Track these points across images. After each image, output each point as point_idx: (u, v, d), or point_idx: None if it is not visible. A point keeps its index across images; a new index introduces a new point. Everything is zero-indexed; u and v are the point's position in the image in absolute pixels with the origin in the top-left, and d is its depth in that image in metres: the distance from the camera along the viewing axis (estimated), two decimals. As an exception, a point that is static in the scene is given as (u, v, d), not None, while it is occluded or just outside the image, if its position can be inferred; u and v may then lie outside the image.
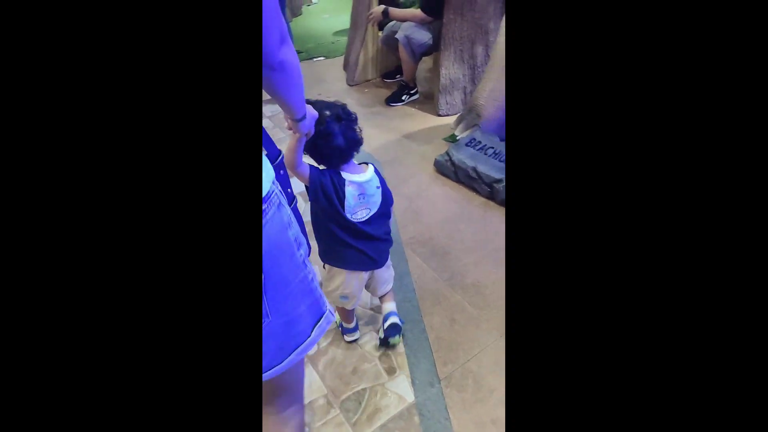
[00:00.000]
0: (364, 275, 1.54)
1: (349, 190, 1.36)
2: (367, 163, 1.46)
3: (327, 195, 1.35)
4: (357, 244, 1.43)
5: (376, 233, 1.47)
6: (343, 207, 1.37)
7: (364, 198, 1.40)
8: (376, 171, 1.46)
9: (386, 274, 1.63)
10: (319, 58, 4.19)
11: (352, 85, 3.61)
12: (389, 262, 1.61)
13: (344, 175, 1.37)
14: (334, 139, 1.31)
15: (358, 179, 1.38)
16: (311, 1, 5.81)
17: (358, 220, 1.40)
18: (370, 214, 1.43)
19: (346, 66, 3.74)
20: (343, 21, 4.86)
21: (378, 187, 1.44)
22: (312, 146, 1.32)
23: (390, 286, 1.67)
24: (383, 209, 1.46)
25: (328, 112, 1.31)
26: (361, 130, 1.39)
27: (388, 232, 1.54)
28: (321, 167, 1.39)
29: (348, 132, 1.34)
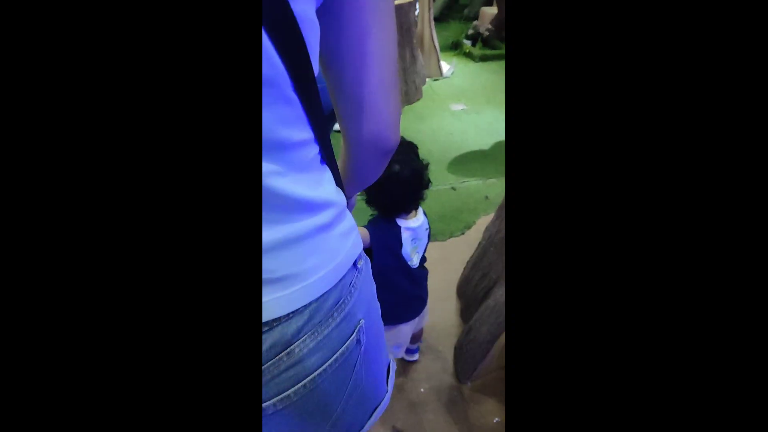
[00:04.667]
0: (417, 318, 1.48)
1: (405, 237, 1.27)
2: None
3: (391, 249, 1.26)
4: (415, 290, 1.37)
5: (422, 273, 1.40)
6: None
7: (415, 242, 1.30)
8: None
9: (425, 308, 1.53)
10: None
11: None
12: None
13: (399, 222, 1.26)
14: (400, 187, 1.20)
15: (413, 225, 1.27)
16: (441, 74, 4.15)
17: (413, 266, 1.32)
18: (419, 257, 1.34)
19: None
20: (494, 121, 3.16)
21: (427, 229, 1.35)
22: (376, 190, 1.20)
23: (426, 319, 1.60)
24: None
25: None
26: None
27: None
28: (371, 215, 1.30)
29: (414, 179, 1.21)
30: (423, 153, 2.79)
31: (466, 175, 2.61)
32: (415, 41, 3.37)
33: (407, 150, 1.24)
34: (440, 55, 3.99)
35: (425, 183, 1.25)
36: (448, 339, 1.74)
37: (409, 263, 1.30)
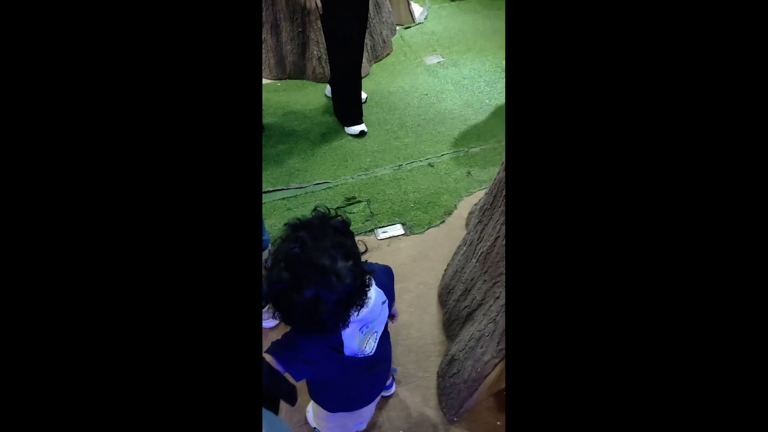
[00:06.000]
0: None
1: (348, 334, 0.91)
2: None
3: (327, 362, 0.93)
4: (375, 371, 1.08)
5: (384, 351, 1.07)
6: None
7: (368, 327, 0.95)
8: (377, 275, 0.96)
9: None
10: (388, 230, 1.95)
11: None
12: None
13: None
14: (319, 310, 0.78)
15: (358, 316, 0.88)
16: (413, 20, 3.70)
17: (367, 354, 0.98)
18: (378, 336, 0.99)
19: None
20: (475, 76, 2.78)
21: (384, 302, 0.99)
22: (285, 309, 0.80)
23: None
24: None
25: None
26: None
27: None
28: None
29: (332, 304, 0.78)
30: (393, 121, 2.45)
31: (446, 146, 2.29)
32: (379, -15, 2.94)
33: (325, 269, 0.78)
34: (411, -4, 3.54)
35: (359, 292, 0.84)
36: (429, 360, 1.51)
37: (359, 357, 0.96)
